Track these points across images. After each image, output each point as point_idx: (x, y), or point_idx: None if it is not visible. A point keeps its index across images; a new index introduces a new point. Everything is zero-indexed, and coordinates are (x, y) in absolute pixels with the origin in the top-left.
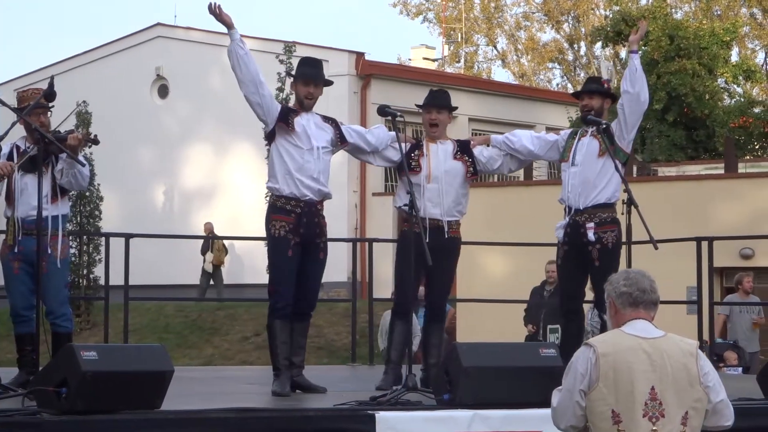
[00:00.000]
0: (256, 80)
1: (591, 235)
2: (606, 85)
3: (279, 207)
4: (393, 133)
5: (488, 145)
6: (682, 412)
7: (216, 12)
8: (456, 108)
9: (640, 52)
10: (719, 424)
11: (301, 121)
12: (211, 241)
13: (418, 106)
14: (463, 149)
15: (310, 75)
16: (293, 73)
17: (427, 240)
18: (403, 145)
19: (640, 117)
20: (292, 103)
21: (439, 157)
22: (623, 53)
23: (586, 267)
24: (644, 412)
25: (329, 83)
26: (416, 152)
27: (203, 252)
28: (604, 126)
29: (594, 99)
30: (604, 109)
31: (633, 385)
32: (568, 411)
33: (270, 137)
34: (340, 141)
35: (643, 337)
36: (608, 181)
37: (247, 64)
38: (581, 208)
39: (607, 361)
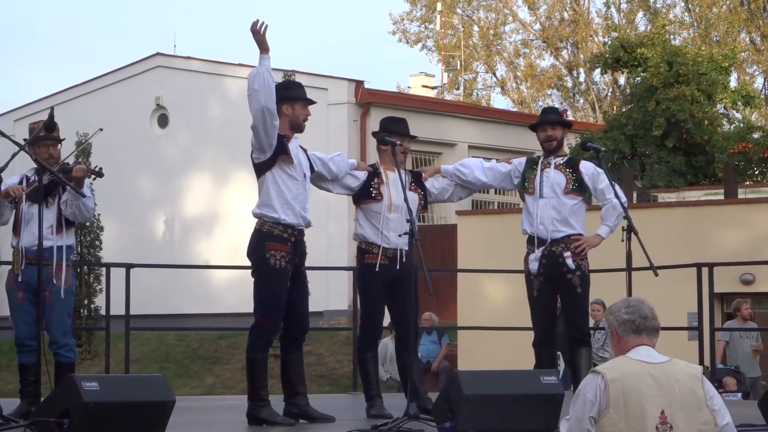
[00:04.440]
0: (273, 110)
1: (571, 263)
2: (564, 115)
3: (276, 235)
4: (352, 160)
5: (438, 176)
6: None
7: (258, 31)
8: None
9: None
10: None
11: (293, 149)
12: None
13: (378, 134)
14: (416, 181)
15: (308, 98)
16: (280, 94)
17: (378, 269)
18: (361, 173)
19: None
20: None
21: (398, 186)
22: (622, 79)
23: (561, 296)
24: None
25: (313, 102)
26: (376, 180)
27: None
28: (600, 153)
29: (557, 130)
30: (564, 138)
31: (643, 409)
32: None
33: (267, 166)
34: (311, 170)
35: (650, 362)
36: (578, 212)
37: (271, 92)
38: (556, 238)
39: (617, 386)
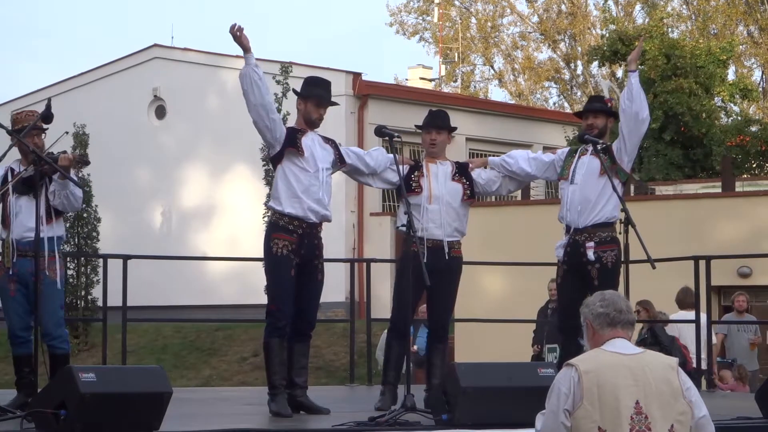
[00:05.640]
0: (268, 105)
1: (591, 255)
2: (609, 104)
3: (281, 226)
4: (392, 155)
5: (486, 167)
6: (667, 425)
7: (236, 33)
8: (455, 128)
9: (638, 71)
10: None
11: (307, 143)
12: None
13: (417, 126)
14: (462, 171)
15: (325, 98)
16: (300, 91)
17: (426, 260)
18: (401, 167)
19: (640, 137)
20: (294, 121)
21: (438, 178)
22: (620, 72)
23: (586, 286)
24: (631, 427)
25: (335, 104)
26: (416, 173)
27: None
28: (603, 146)
29: (599, 118)
30: (607, 128)
31: (618, 400)
32: None
33: (276, 159)
34: (339, 162)
35: (624, 354)
36: (608, 200)
37: (260, 88)
38: (581, 227)
39: (590, 378)
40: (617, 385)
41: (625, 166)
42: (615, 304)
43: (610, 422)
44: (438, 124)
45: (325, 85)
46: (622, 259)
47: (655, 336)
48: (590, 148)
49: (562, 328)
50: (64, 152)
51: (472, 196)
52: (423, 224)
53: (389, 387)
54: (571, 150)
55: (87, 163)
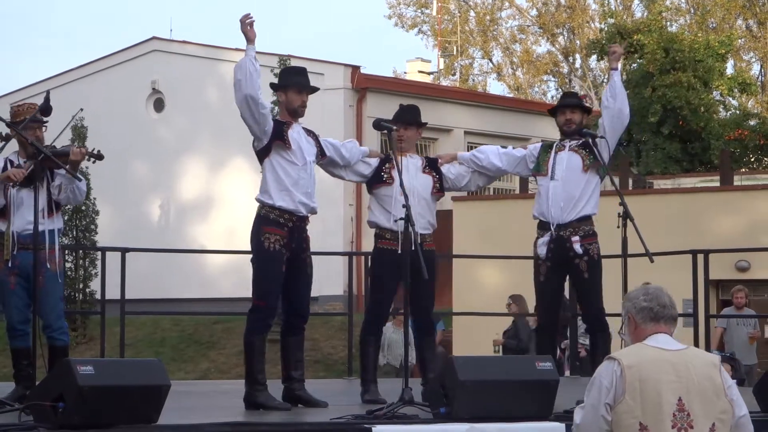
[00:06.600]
0: (258, 99)
1: (578, 248)
2: (584, 100)
3: (272, 219)
4: (364, 148)
5: (456, 162)
6: (709, 423)
7: (246, 23)
8: (425, 124)
9: (620, 69)
10: None
11: (293, 135)
12: None
13: (386, 121)
14: (431, 165)
15: (304, 84)
16: (278, 82)
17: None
18: (373, 160)
19: (620, 133)
20: (278, 114)
21: (409, 170)
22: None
23: (565, 282)
24: (673, 423)
25: (315, 90)
26: (387, 165)
27: None
28: (595, 139)
29: (575, 113)
30: (582, 123)
31: (660, 396)
32: (593, 427)
33: (264, 153)
34: (320, 155)
35: (667, 349)
36: (591, 195)
37: (254, 81)
38: (565, 222)
39: (633, 372)
40: (660, 381)
41: (605, 162)
42: (659, 298)
43: (651, 418)
44: (406, 119)
45: (301, 71)
46: (619, 253)
47: (516, 329)
48: (568, 143)
49: (543, 327)
50: (73, 146)
51: (441, 190)
52: (394, 216)
53: (371, 382)
54: (544, 145)
55: (101, 157)
